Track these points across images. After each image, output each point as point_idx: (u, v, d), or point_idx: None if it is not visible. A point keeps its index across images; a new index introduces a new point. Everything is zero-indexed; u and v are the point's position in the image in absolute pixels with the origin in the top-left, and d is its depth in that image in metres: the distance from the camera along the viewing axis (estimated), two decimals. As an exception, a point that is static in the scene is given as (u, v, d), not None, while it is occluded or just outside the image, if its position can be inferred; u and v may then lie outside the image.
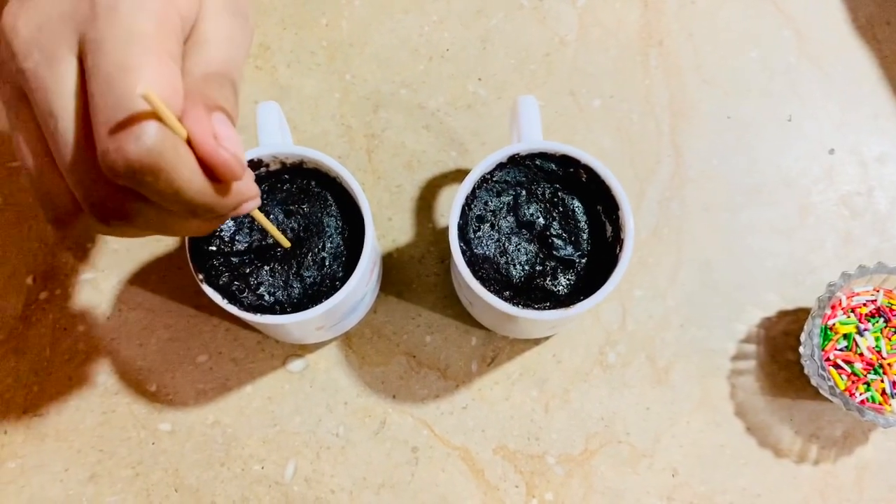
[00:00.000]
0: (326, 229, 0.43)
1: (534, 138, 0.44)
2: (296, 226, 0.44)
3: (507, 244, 0.44)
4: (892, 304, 0.47)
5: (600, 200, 0.44)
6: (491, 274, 0.43)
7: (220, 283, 0.42)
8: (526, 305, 0.42)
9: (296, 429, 0.48)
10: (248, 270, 0.43)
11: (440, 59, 0.54)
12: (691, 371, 0.49)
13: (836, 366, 0.46)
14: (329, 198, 0.44)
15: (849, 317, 0.47)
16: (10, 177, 0.52)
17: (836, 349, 0.46)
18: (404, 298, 0.50)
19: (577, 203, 0.44)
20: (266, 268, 0.43)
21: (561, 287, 0.43)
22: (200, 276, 0.42)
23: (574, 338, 0.50)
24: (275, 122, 0.44)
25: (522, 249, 0.44)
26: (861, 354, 0.46)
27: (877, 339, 0.46)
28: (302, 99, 0.53)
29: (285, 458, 0.48)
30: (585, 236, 0.44)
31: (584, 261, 0.44)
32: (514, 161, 0.44)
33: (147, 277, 0.50)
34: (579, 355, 0.49)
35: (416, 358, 0.49)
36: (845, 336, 0.46)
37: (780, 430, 0.49)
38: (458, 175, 0.52)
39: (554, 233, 0.44)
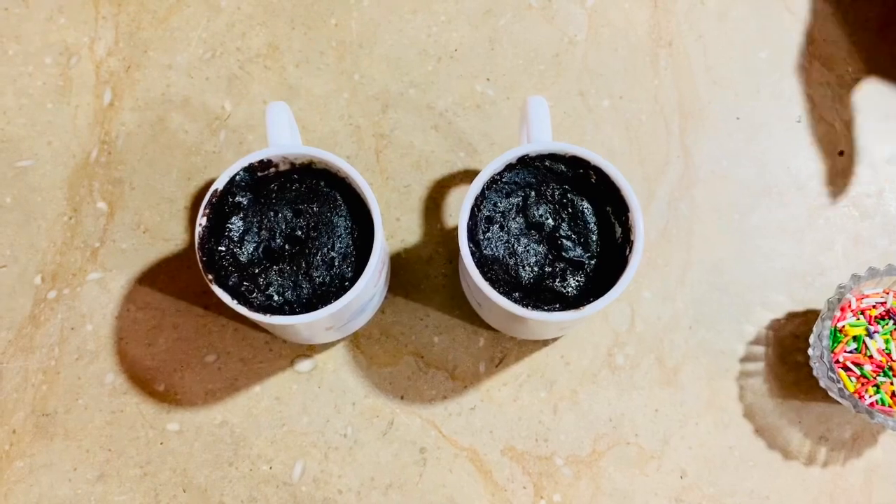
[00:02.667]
0: (336, 229, 0.43)
1: (543, 139, 0.44)
2: (305, 226, 0.43)
3: (516, 245, 0.44)
4: None
5: (610, 202, 0.44)
6: (500, 275, 0.43)
7: (230, 283, 0.42)
8: (535, 307, 0.42)
9: (304, 429, 0.48)
10: (257, 271, 0.43)
11: (449, 60, 0.54)
12: (700, 373, 0.49)
13: (846, 368, 0.46)
14: (338, 198, 0.44)
15: (858, 319, 0.46)
16: (18, 177, 0.52)
17: (845, 351, 0.46)
18: (412, 299, 0.50)
19: (586, 204, 0.44)
20: (275, 268, 0.43)
21: (570, 288, 0.43)
22: (210, 277, 0.42)
23: (582, 339, 0.50)
24: (284, 122, 0.44)
25: (532, 251, 0.44)
26: (871, 357, 0.46)
27: (886, 341, 0.46)
28: (311, 99, 0.53)
29: (293, 459, 0.48)
30: (595, 237, 0.44)
31: (593, 262, 0.44)
32: (524, 162, 0.44)
33: (156, 277, 0.50)
34: (588, 356, 0.49)
35: (424, 359, 0.49)
36: (855, 338, 0.46)
37: (789, 432, 0.48)
38: (467, 176, 0.52)
39: (563, 234, 0.44)
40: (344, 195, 0.44)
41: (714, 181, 0.52)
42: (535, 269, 0.43)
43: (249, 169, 0.44)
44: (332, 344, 0.49)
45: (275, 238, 0.43)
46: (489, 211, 0.44)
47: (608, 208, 0.44)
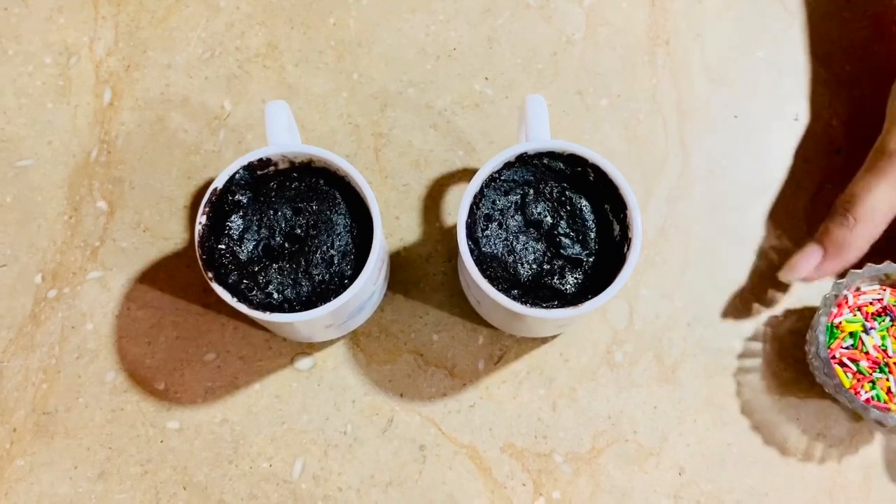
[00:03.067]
0: (335, 227, 0.44)
1: (542, 137, 0.44)
2: (304, 224, 0.44)
3: (514, 243, 0.44)
4: None
5: (608, 199, 0.44)
6: (499, 272, 0.43)
7: (230, 281, 0.42)
8: (534, 304, 0.42)
9: (303, 427, 0.48)
10: (257, 269, 0.43)
11: (447, 59, 0.55)
12: (698, 370, 0.49)
13: (842, 364, 0.46)
14: (337, 196, 0.44)
15: (855, 315, 0.47)
16: (18, 176, 0.52)
17: (841, 347, 0.46)
18: (412, 297, 0.50)
19: (584, 202, 0.45)
20: (275, 266, 0.43)
21: (569, 286, 0.43)
22: (210, 275, 0.42)
23: (581, 336, 0.50)
24: (283, 121, 0.45)
25: (530, 248, 0.44)
26: (867, 353, 0.46)
27: (883, 337, 0.46)
28: (310, 98, 0.54)
29: (293, 456, 0.48)
30: (593, 235, 0.44)
31: (591, 260, 0.44)
32: (522, 160, 0.44)
33: (155, 276, 0.50)
34: (587, 354, 0.50)
35: (423, 356, 0.49)
36: (851, 334, 0.46)
37: (788, 429, 0.49)
38: (466, 174, 0.52)
39: (562, 232, 0.44)
40: (343, 193, 0.44)
41: (712, 179, 0.53)
42: (534, 266, 0.44)
43: (249, 167, 0.44)
44: (332, 342, 0.50)
45: (274, 236, 0.43)
46: (488, 209, 0.44)
47: (606, 206, 0.44)
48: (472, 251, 0.43)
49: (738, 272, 0.51)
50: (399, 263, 0.51)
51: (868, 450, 0.48)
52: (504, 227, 0.44)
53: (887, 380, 0.45)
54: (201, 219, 0.43)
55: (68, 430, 0.48)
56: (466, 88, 0.54)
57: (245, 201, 0.44)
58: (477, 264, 0.42)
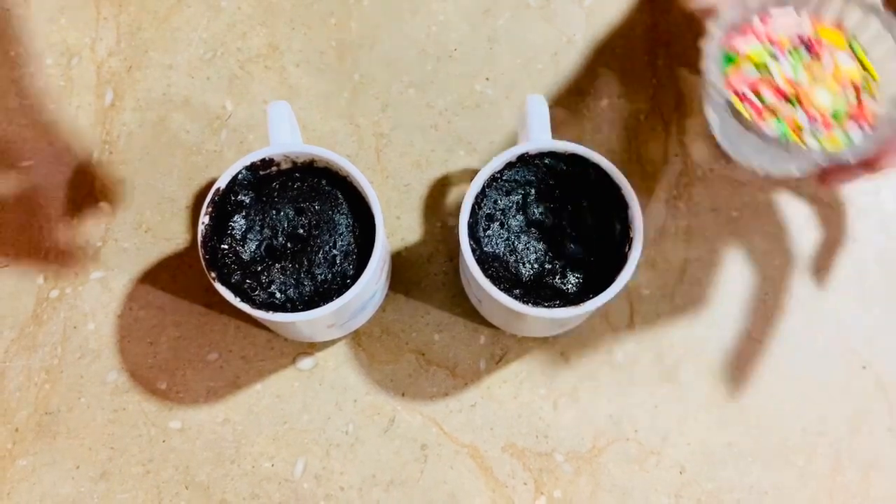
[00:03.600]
0: (337, 227, 0.44)
1: (543, 137, 0.44)
2: (307, 224, 0.44)
3: (516, 242, 0.44)
4: (820, 36, 0.37)
5: (609, 199, 0.44)
6: (500, 272, 0.43)
7: (233, 281, 0.42)
8: (535, 303, 0.42)
9: (305, 426, 0.48)
10: (259, 268, 0.43)
11: (448, 59, 0.55)
12: (699, 369, 0.50)
13: (742, 97, 0.36)
14: (339, 196, 0.44)
15: (764, 45, 0.37)
16: (20, 177, 0.52)
17: (741, 77, 0.36)
18: (413, 297, 0.50)
19: (585, 202, 0.45)
20: (277, 266, 0.43)
21: (570, 285, 0.43)
22: (213, 275, 0.42)
23: (582, 336, 0.50)
24: (285, 122, 0.45)
25: (532, 248, 0.44)
26: (774, 85, 0.36)
27: (794, 67, 0.37)
28: (311, 98, 0.54)
29: (295, 456, 0.48)
30: (594, 235, 0.44)
31: (592, 259, 0.44)
32: (524, 160, 0.44)
33: (157, 276, 0.50)
34: (587, 353, 0.50)
35: (424, 356, 0.50)
36: (756, 66, 0.37)
37: (788, 428, 0.49)
38: (467, 174, 0.53)
39: (563, 231, 0.44)
40: (345, 193, 0.45)
41: (712, 179, 0.53)
42: (536, 266, 0.44)
43: (251, 167, 0.44)
44: (334, 342, 0.50)
45: (277, 236, 0.44)
46: (489, 209, 0.44)
47: (607, 206, 0.44)
48: (473, 251, 0.43)
49: (738, 272, 0.51)
50: (400, 263, 0.51)
51: (868, 449, 0.48)
52: (506, 226, 0.44)
53: (795, 114, 0.36)
54: (204, 219, 0.43)
55: (70, 430, 0.48)
56: (467, 89, 0.54)
57: (248, 201, 0.44)
58: (479, 264, 0.42)
